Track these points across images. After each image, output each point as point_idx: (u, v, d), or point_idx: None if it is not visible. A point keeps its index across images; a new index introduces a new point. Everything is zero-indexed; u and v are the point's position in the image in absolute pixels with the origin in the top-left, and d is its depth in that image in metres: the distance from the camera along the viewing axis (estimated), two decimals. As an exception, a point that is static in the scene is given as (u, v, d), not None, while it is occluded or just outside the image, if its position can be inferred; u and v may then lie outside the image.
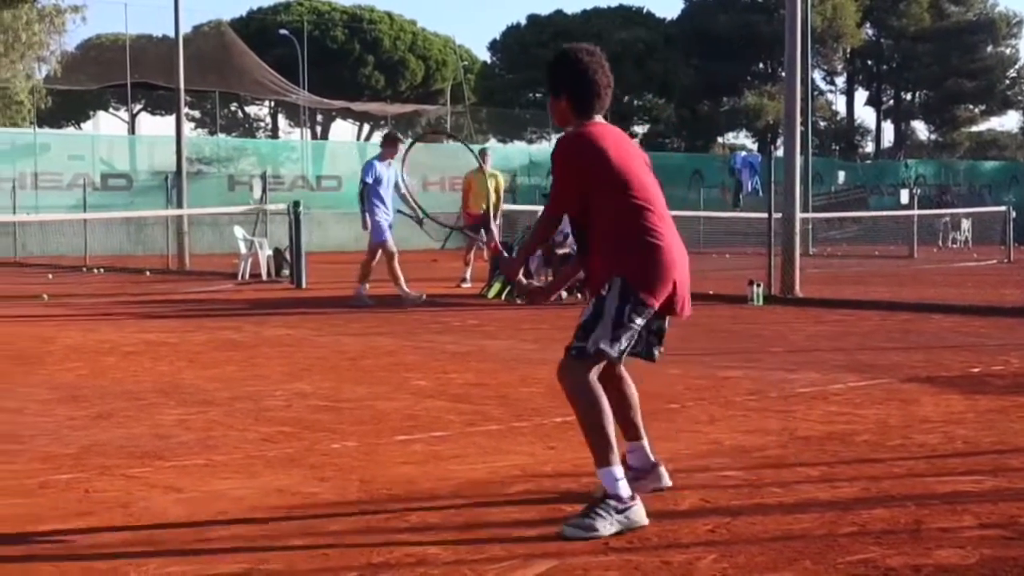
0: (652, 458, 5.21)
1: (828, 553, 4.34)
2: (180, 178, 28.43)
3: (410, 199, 11.34)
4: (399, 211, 15.90)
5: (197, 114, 63.15)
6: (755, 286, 16.20)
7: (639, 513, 4.65)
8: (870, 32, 71.47)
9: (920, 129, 77.77)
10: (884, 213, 41.02)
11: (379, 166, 16.10)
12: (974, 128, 76.17)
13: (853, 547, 4.42)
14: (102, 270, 26.38)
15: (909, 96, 75.06)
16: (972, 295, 17.32)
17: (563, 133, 5.03)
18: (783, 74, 22.22)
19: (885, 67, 73.55)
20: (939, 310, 14.93)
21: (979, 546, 4.42)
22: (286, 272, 21.46)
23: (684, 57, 65.11)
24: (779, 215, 17.40)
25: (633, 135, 63.69)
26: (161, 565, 4.28)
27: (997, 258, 29.74)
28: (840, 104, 76.25)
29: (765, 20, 62.12)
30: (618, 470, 4.70)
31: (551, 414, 7.24)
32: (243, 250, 23.20)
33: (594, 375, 4.79)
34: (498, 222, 17.85)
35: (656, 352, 5.15)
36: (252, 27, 58.36)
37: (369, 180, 16.02)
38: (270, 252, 22.59)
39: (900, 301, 16.00)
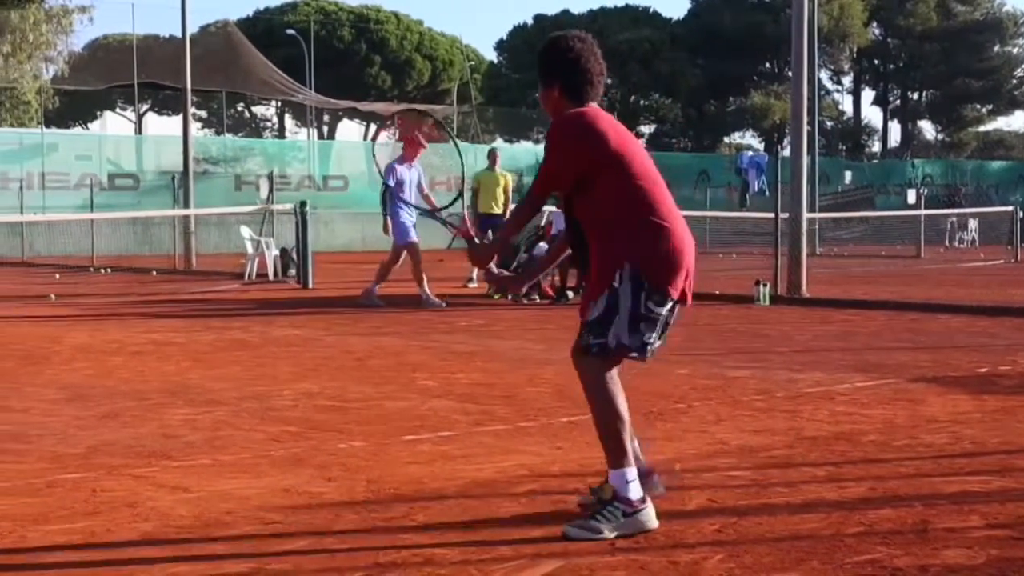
0: (645, 465, 4.94)
1: (835, 553, 4.34)
2: (187, 178, 28.47)
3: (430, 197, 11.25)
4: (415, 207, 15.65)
5: (204, 114, 63.28)
6: (762, 286, 16.19)
7: (648, 516, 4.59)
8: (877, 32, 71.41)
9: (927, 129, 77.76)
10: (891, 213, 41.01)
11: (400, 168, 15.80)
12: (981, 128, 76.07)
13: (860, 547, 4.42)
14: (109, 270, 26.42)
15: (916, 96, 74.98)
16: (979, 295, 17.30)
17: (562, 115, 4.80)
18: (790, 74, 22.19)
19: (892, 67, 73.49)
20: (946, 310, 14.91)
21: (986, 546, 4.41)
22: (293, 272, 21.47)
23: (690, 57, 65.10)
24: (786, 215, 17.39)
25: (639, 135, 63.67)
26: (168, 565, 4.28)
27: (1004, 258, 29.71)
28: (847, 104, 76.26)
29: (771, 20, 62.08)
30: (631, 472, 4.61)
31: (558, 414, 7.24)
32: (250, 250, 23.22)
33: (613, 373, 4.67)
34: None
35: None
36: (259, 27, 58.47)
37: (391, 183, 15.68)
38: (277, 252, 22.60)
39: (907, 301, 15.98)
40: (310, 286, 19.94)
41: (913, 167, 59.70)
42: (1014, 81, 72.44)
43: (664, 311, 4.65)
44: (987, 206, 44.72)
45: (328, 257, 28.25)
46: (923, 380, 8.88)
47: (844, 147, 72.85)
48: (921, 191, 39.81)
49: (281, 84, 48.08)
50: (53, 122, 49.97)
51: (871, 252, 33.79)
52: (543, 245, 16.15)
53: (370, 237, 40.60)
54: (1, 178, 37.11)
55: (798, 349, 11.16)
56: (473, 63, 64.50)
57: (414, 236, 15.74)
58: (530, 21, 67.80)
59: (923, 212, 33.27)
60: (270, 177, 25.04)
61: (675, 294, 4.65)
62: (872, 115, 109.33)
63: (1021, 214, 32.40)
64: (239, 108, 65.23)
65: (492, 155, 19.06)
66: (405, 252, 15.85)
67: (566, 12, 67.68)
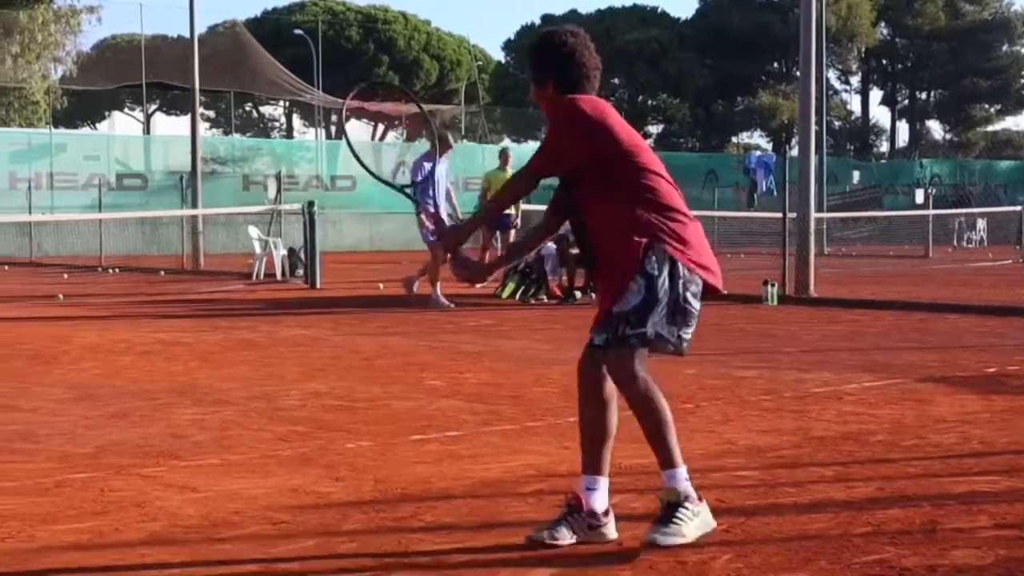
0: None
1: (843, 553, 4.33)
2: (195, 178, 28.49)
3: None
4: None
5: (212, 114, 63.35)
6: (769, 286, 16.17)
7: (709, 515, 4.44)
8: (885, 31, 71.38)
9: (935, 129, 77.75)
10: (899, 213, 40.95)
11: (428, 165, 15.70)
12: (989, 128, 76.04)
13: (868, 547, 4.41)
14: (117, 270, 26.45)
15: (924, 95, 74.92)
16: (987, 295, 17.27)
17: (578, 97, 4.52)
18: (798, 74, 22.18)
19: (900, 66, 73.45)
20: (954, 310, 14.89)
21: (995, 546, 4.41)
22: (300, 272, 21.48)
23: (698, 57, 65.11)
24: (793, 215, 17.37)
25: (647, 135, 63.63)
26: (175, 564, 4.29)
27: (1012, 258, 29.66)
28: (855, 103, 76.26)
29: (780, 20, 62.09)
30: (685, 469, 4.43)
31: (565, 414, 7.23)
32: (258, 250, 23.23)
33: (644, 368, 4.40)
34: (517, 222, 17.93)
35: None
36: (267, 27, 58.51)
37: (419, 179, 15.56)
38: (284, 252, 22.61)
39: (915, 301, 15.96)
40: (318, 286, 19.94)
41: (921, 167, 59.63)
42: (1022, 81, 72.35)
43: (699, 304, 4.46)
44: (995, 206, 44.65)
45: (336, 257, 28.26)
46: (931, 380, 8.87)
47: (852, 147, 72.82)
48: (929, 191, 39.74)
49: (289, 84, 48.11)
50: (61, 122, 50.05)
51: (879, 252, 33.75)
52: (551, 245, 16.13)
53: (378, 237, 40.77)
54: (10, 178, 37.18)
55: (806, 349, 11.15)
56: (481, 63, 64.55)
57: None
58: (538, 21, 67.80)
59: (931, 212, 33.21)
60: (278, 177, 25.06)
61: (706, 278, 4.46)
62: (880, 115, 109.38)
63: (1029, 214, 32.39)
64: (247, 108, 65.29)
65: (504, 155, 19.03)
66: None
67: (574, 12, 67.78)
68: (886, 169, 61.70)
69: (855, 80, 75.43)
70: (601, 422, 4.55)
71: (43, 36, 40.37)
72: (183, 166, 31.97)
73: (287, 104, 62.60)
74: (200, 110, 31.37)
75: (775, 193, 45.53)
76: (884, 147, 76.59)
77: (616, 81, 62.60)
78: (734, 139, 73.07)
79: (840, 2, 62.73)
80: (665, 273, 4.35)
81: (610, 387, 4.52)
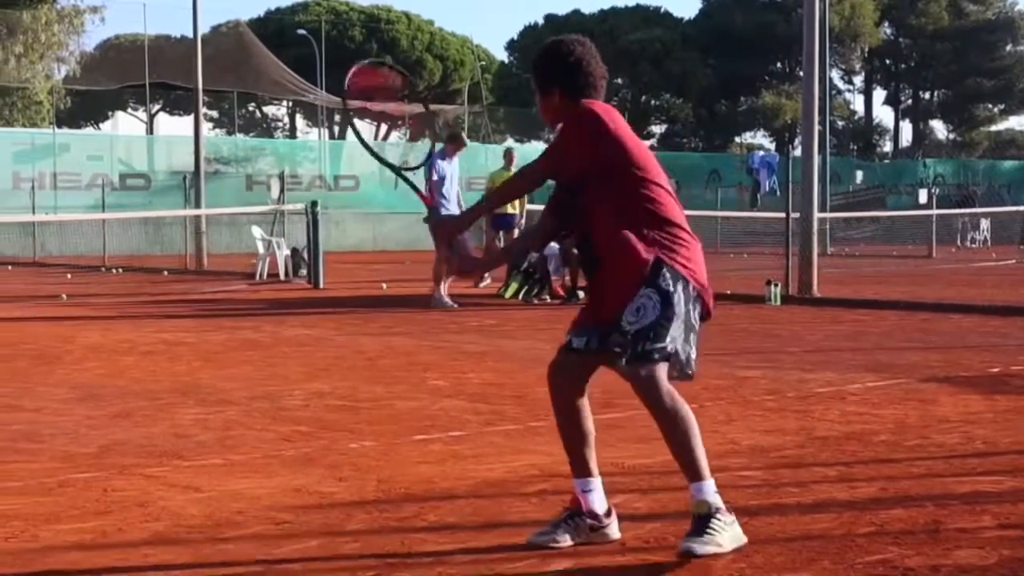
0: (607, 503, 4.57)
1: (846, 553, 4.33)
2: (198, 178, 28.50)
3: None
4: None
5: (215, 114, 63.32)
6: (773, 286, 16.17)
7: (739, 528, 4.33)
8: (888, 31, 71.33)
9: (938, 128, 77.66)
10: (902, 213, 40.95)
11: (442, 163, 15.70)
12: (993, 127, 75.98)
13: (871, 547, 4.41)
14: (120, 270, 26.47)
15: (927, 95, 74.88)
16: (991, 295, 17.26)
17: (592, 103, 4.43)
18: (801, 73, 22.18)
19: (903, 66, 73.39)
20: (958, 310, 14.89)
21: (998, 546, 4.40)
22: (304, 272, 21.48)
23: (702, 57, 65.07)
24: (797, 215, 17.36)
25: (650, 136, 63.58)
26: (178, 564, 4.29)
27: (1016, 258, 29.65)
28: (858, 103, 76.21)
29: (783, 19, 62.07)
30: (714, 482, 4.33)
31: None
32: (261, 250, 23.24)
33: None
34: (522, 223, 17.91)
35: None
36: (270, 27, 58.52)
37: (435, 177, 15.55)
38: (288, 252, 22.62)
39: (918, 301, 15.95)
40: (321, 286, 19.95)
41: (924, 167, 59.58)
42: (1026, 80, 72.32)
43: (699, 324, 4.42)
44: (999, 206, 44.63)
45: (339, 257, 28.26)
46: (934, 380, 8.86)
47: (855, 147, 72.80)
48: (932, 191, 39.73)
49: (292, 84, 48.12)
50: (65, 122, 50.05)
51: (882, 252, 33.73)
52: (554, 245, 16.13)
53: (381, 237, 40.76)
54: (13, 178, 37.19)
55: (809, 349, 11.15)
56: (484, 63, 64.53)
57: None
58: (541, 21, 67.89)
59: (934, 212, 33.20)
60: (281, 177, 25.08)
61: (710, 304, 4.43)
62: (883, 115, 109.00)
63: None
64: (250, 108, 65.28)
65: (508, 155, 19.02)
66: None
67: (577, 12, 67.75)
68: (889, 169, 61.65)
69: (858, 80, 75.44)
70: (579, 426, 4.54)
71: (47, 36, 40.42)
72: (186, 166, 31.99)
73: (290, 104, 62.60)
74: (203, 110, 31.37)
75: (778, 193, 45.49)
76: (887, 147, 76.56)
77: (619, 81, 62.55)
78: (737, 139, 73.03)
79: (843, 2, 62.66)
80: (680, 290, 4.30)
81: (582, 389, 4.54)
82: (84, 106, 54.14)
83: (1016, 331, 12.61)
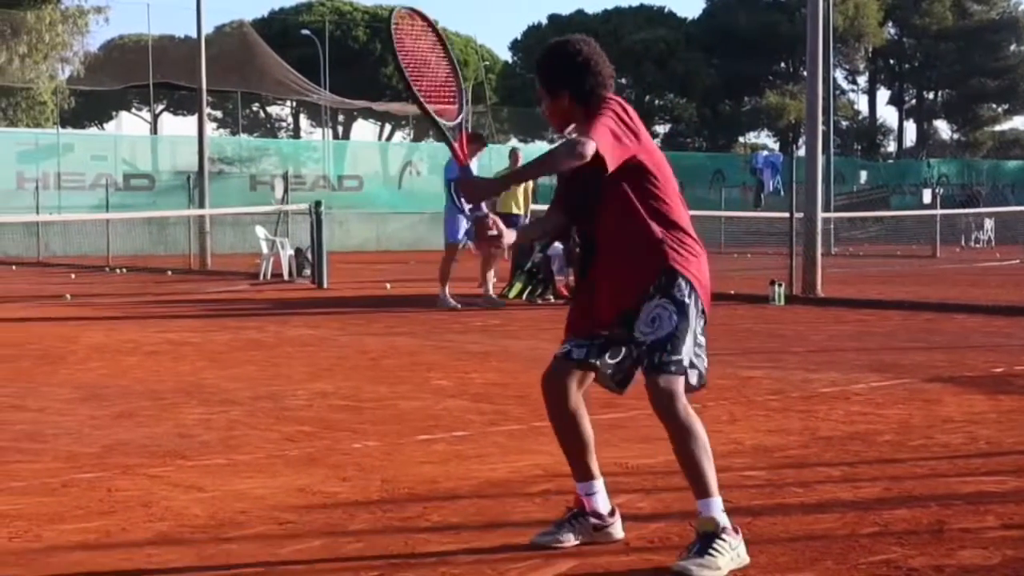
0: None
1: (850, 553, 4.33)
2: (202, 178, 28.53)
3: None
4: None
5: (219, 114, 63.34)
6: (777, 286, 16.16)
7: (744, 548, 4.22)
8: (892, 31, 71.25)
9: (942, 128, 77.60)
10: (906, 213, 40.96)
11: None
12: (997, 127, 75.89)
13: (875, 547, 4.41)
14: (124, 270, 26.47)
15: (931, 95, 74.82)
16: (995, 295, 17.25)
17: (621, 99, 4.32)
18: (805, 73, 22.16)
19: (907, 66, 73.34)
20: (962, 310, 14.87)
21: (1002, 547, 4.40)
22: (307, 272, 21.48)
23: (705, 57, 65.07)
24: (800, 215, 17.36)
25: (654, 135, 63.49)
26: (182, 564, 4.30)
27: (1020, 257, 29.60)
28: (862, 103, 76.12)
29: (787, 19, 62.04)
30: (721, 499, 4.26)
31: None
32: (265, 250, 23.25)
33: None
34: (527, 222, 17.89)
35: (604, 369, 4.44)
36: (274, 27, 58.51)
37: (451, 178, 15.52)
38: (292, 252, 22.62)
39: (922, 301, 15.94)
40: (325, 286, 19.95)
41: (928, 167, 59.59)
42: (1030, 80, 72.26)
43: (704, 339, 4.37)
44: (1003, 206, 44.59)
45: (343, 257, 28.27)
46: (938, 380, 8.86)
47: (859, 147, 72.76)
48: (936, 191, 39.70)
49: (296, 84, 48.11)
50: (69, 122, 50.12)
51: (886, 252, 33.71)
52: (558, 245, 16.12)
53: (384, 237, 40.78)
54: (17, 178, 37.23)
55: (813, 349, 11.14)
56: (488, 63, 64.46)
57: (460, 237, 15.50)
58: (544, 21, 67.90)
59: (939, 212, 33.17)
60: (285, 177, 25.08)
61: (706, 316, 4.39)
62: (887, 115, 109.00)
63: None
64: (254, 108, 65.28)
65: (514, 155, 19.00)
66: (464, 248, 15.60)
67: (580, 12, 67.74)
68: (893, 169, 61.67)
69: (862, 80, 75.37)
70: (577, 431, 4.51)
71: (50, 36, 40.48)
72: (190, 166, 32.03)
73: (294, 104, 62.57)
74: (207, 110, 31.39)
75: (782, 193, 45.50)
76: (891, 147, 76.54)
77: (623, 81, 62.54)
78: (741, 139, 73.00)
79: (847, 2, 62.60)
80: (693, 302, 4.27)
81: (577, 396, 4.50)
82: (88, 106, 54.19)
83: (1020, 331, 12.60)
